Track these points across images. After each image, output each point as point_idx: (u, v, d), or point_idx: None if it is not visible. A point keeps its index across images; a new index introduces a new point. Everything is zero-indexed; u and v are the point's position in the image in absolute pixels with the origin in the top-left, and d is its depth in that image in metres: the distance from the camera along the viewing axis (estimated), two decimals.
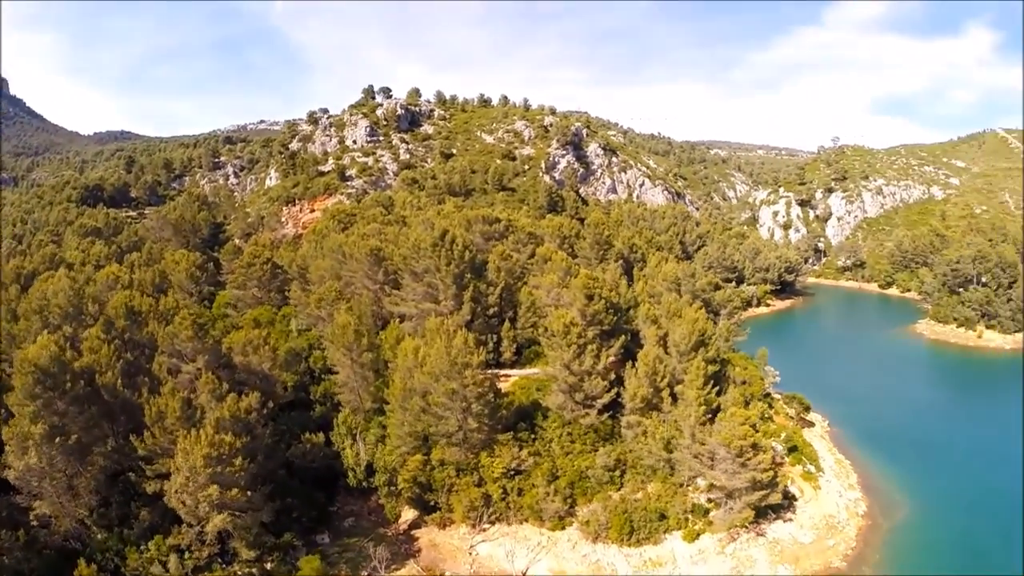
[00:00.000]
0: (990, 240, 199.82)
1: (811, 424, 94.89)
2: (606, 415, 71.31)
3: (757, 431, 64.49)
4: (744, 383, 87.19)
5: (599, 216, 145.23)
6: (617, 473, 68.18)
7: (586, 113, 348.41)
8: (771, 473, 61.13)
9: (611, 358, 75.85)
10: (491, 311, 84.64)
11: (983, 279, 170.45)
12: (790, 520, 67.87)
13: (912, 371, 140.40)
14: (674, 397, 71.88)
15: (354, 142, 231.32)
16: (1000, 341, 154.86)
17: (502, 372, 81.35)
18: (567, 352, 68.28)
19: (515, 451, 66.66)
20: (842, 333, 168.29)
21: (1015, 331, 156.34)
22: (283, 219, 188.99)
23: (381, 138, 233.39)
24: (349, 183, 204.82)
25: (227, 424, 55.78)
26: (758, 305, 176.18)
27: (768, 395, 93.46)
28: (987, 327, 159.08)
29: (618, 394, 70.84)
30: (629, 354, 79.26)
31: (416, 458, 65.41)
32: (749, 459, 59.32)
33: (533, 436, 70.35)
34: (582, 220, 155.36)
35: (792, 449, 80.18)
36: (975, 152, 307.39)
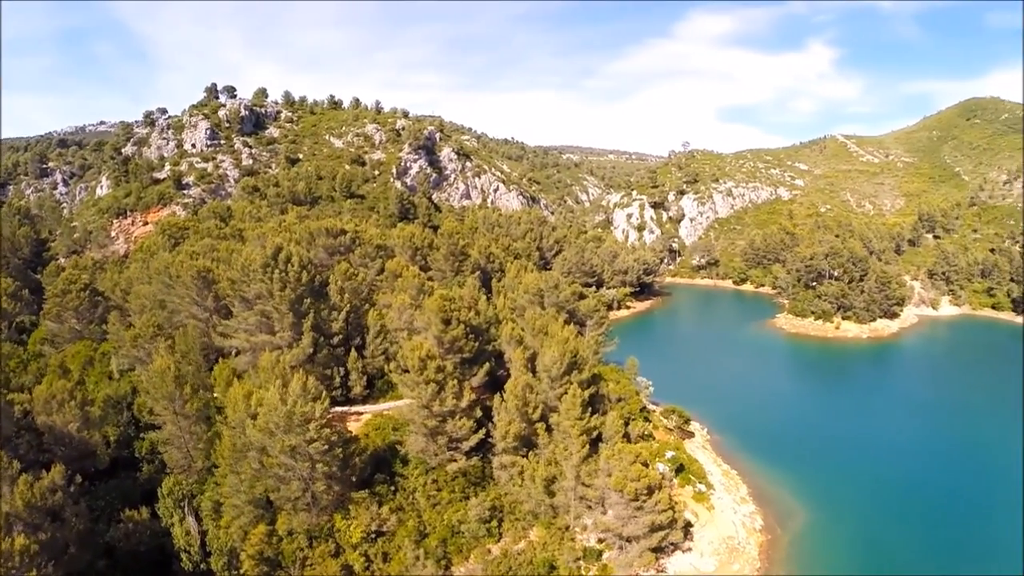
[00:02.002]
0: (837, 235, 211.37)
1: (691, 435, 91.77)
2: (475, 457, 63.01)
3: (648, 466, 57.72)
4: (620, 400, 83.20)
5: (453, 224, 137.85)
6: (494, 523, 59.89)
7: (439, 117, 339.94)
8: (670, 513, 54.49)
9: (476, 388, 68.37)
10: (336, 340, 73.50)
11: (835, 273, 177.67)
12: (689, 550, 62.87)
13: (779, 366, 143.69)
14: (549, 428, 64.91)
15: (193, 146, 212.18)
16: (857, 331, 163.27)
17: (353, 410, 71.19)
18: (425, 390, 59.23)
19: (374, 509, 56.96)
20: (705, 332, 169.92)
21: (869, 320, 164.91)
22: (113, 234, 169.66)
23: (223, 142, 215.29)
24: (186, 192, 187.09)
25: (21, 516, 43.41)
26: (618, 308, 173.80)
27: (645, 409, 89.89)
28: (843, 318, 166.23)
29: (487, 432, 62.85)
30: (495, 379, 72.53)
31: (259, 529, 54.10)
32: (645, 502, 52.35)
33: (393, 488, 60.77)
34: (435, 228, 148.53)
35: (679, 469, 75.90)
36: (817, 156, 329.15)
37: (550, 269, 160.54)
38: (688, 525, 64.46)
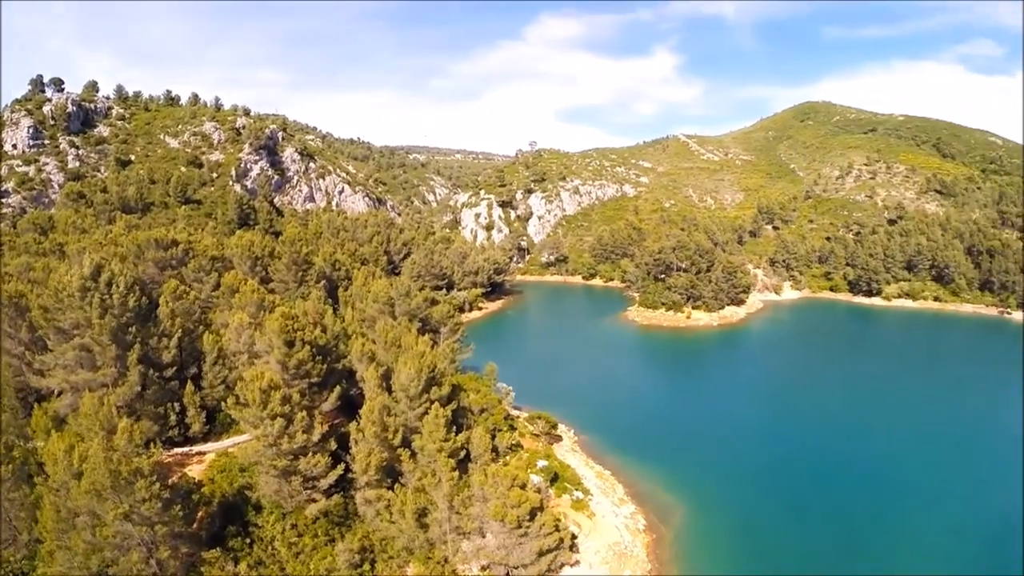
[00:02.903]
0: (682, 229, 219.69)
1: (559, 438, 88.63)
2: (336, 494, 55.76)
3: (525, 488, 53.00)
4: (483, 411, 79.18)
5: (296, 230, 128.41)
6: (366, 567, 52.75)
7: (283, 116, 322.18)
8: (557, 535, 49.94)
9: (328, 414, 61.56)
10: (169, 371, 63.51)
11: (683, 265, 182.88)
12: (577, 563, 59.09)
13: (636, 359, 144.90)
14: (413, 453, 59.23)
15: (14, 147, 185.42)
16: (707, 319, 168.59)
17: (194, 450, 61.81)
18: (271, 427, 51.23)
19: (230, 569, 48.33)
20: (560, 329, 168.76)
21: (718, 308, 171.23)
22: None
23: (47, 142, 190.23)
24: (5, 200, 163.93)
25: None
26: (471, 310, 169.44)
27: (509, 417, 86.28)
28: (694, 308, 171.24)
29: (347, 466, 55.84)
30: (349, 401, 66.01)
31: None
32: (529, 527, 47.53)
33: (249, 540, 52.08)
34: (278, 235, 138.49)
35: (554, 479, 72.37)
36: (660, 154, 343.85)
37: (399, 274, 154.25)
38: (573, 537, 60.71)
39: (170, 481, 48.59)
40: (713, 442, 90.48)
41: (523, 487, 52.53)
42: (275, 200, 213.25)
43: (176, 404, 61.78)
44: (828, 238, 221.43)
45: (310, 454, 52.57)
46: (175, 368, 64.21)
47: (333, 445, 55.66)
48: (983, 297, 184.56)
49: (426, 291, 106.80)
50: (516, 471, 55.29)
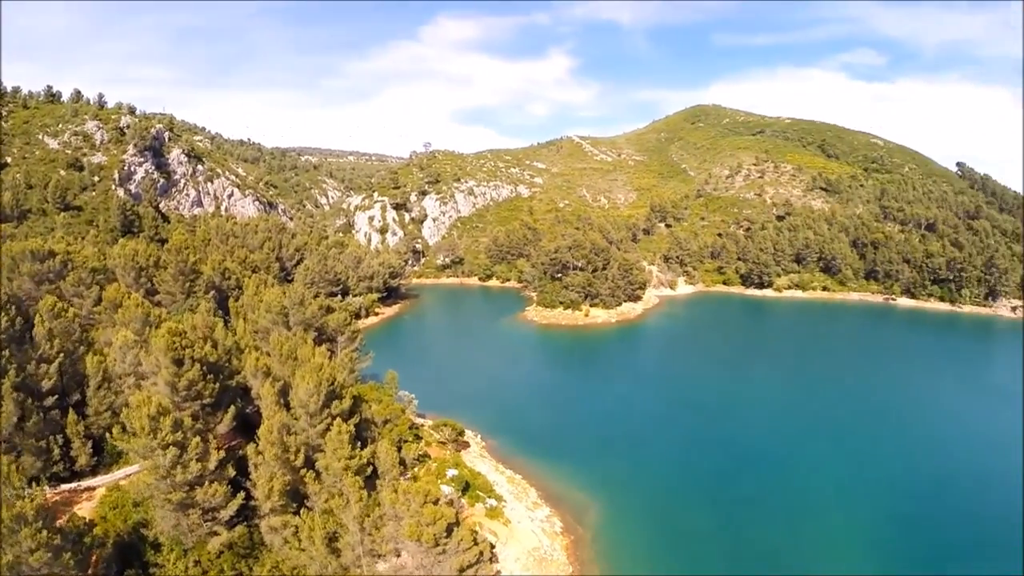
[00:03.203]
0: (577, 228, 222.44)
1: (466, 445, 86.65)
2: (240, 524, 51.00)
3: (438, 503, 50.48)
4: (387, 422, 76.48)
5: (182, 237, 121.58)
6: None
7: (170, 115, 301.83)
8: (476, 549, 47.64)
9: (224, 436, 57.42)
10: (49, 400, 57.30)
11: (579, 264, 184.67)
12: (497, 573, 57.46)
13: (537, 359, 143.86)
14: (317, 473, 55.58)
15: None
16: (606, 316, 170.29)
17: (83, 485, 55.51)
18: (163, 457, 46.37)
19: None
20: (460, 332, 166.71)
21: (616, 305, 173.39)
22: None
23: None
24: None
25: None
26: (367, 316, 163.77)
27: (414, 426, 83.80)
28: (592, 305, 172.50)
29: (248, 493, 51.49)
30: (245, 420, 62.13)
31: None
32: (447, 544, 45.10)
33: None
34: (164, 242, 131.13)
35: (466, 488, 70.44)
36: (554, 155, 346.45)
37: (292, 281, 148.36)
38: (491, 547, 58.75)
39: (59, 524, 43.36)
40: (619, 437, 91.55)
41: (436, 502, 50.03)
42: (161, 205, 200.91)
43: (59, 436, 55.49)
44: (720, 234, 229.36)
45: (207, 483, 47.93)
46: (56, 396, 58.19)
47: (232, 471, 51.01)
48: (869, 285, 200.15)
49: (321, 299, 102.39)
50: (427, 486, 52.86)
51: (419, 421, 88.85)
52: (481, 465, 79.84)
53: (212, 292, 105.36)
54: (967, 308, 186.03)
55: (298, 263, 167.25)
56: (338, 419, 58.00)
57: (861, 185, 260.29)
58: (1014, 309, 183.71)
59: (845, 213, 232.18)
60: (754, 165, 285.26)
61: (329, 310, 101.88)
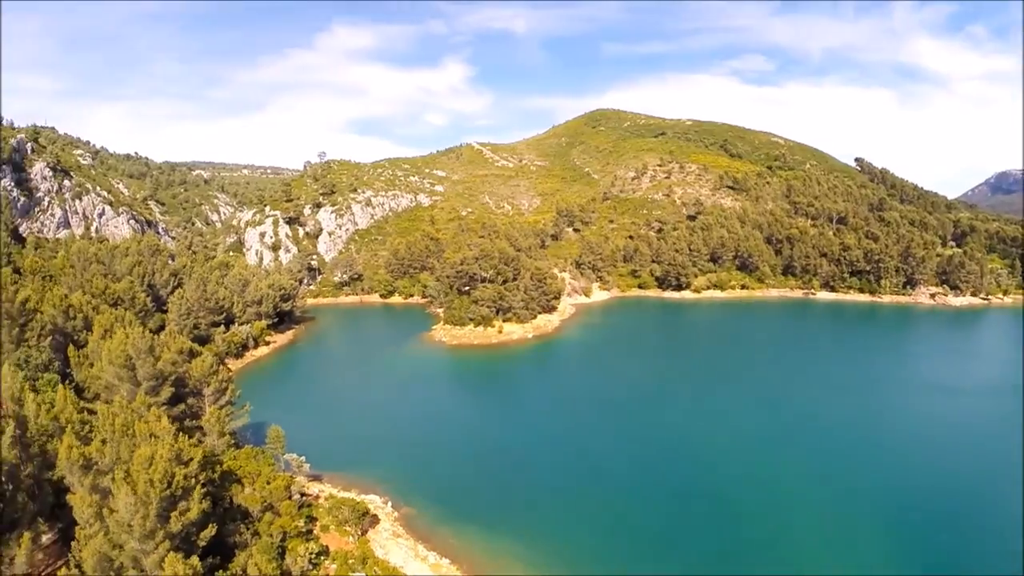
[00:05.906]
0: (482, 236, 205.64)
1: (376, 521, 65.17)
2: None
3: None
4: (268, 510, 55.76)
5: (34, 262, 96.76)
6: None
7: (34, 126, 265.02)
8: None
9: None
10: None
11: (488, 275, 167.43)
12: None
13: (451, 389, 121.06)
14: None
15: None
16: (521, 331, 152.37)
17: None
18: None
19: None
20: (360, 361, 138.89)
21: (531, 318, 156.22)
22: None
23: None
24: None
25: None
26: (256, 346, 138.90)
27: (305, 503, 63.37)
28: (504, 320, 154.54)
29: None
30: (68, 536, 40.90)
31: None
32: None
33: None
34: (19, 272, 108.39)
35: None
36: (454, 162, 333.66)
37: (166, 311, 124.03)
38: None
39: None
40: (566, 486, 72.40)
41: None
42: (21, 227, 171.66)
43: None
44: (631, 237, 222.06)
45: None
46: None
47: None
48: (787, 281, 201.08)
49: (181, 339, 78.39)
50: None
51: (313, 490, 68.14)
52: (396, 551, 59.04)
53: (51, 337, 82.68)
54: (887, 298, 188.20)
55: (174, 289, 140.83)
56: (174, 558, 36.63)
57: (767, 182, 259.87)
58: (933, 296, 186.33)
59: (757, 210, 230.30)
60: (659, 166, 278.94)
61: (192, 354, 78.70)
